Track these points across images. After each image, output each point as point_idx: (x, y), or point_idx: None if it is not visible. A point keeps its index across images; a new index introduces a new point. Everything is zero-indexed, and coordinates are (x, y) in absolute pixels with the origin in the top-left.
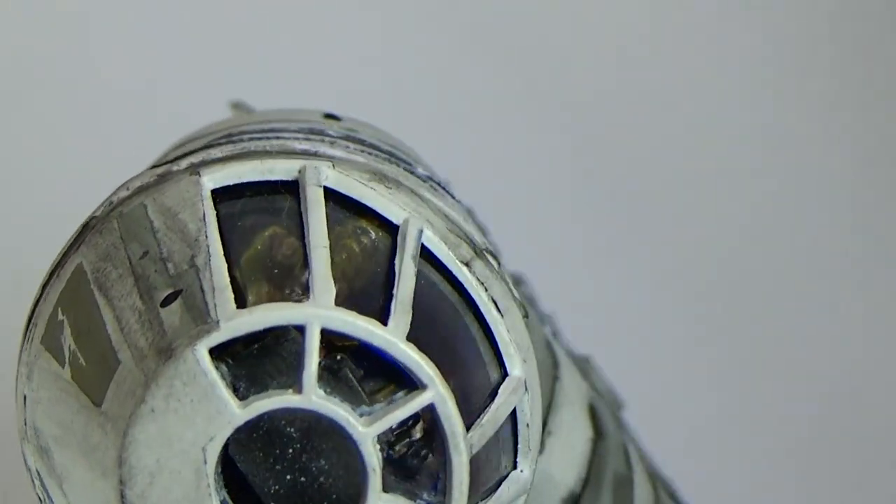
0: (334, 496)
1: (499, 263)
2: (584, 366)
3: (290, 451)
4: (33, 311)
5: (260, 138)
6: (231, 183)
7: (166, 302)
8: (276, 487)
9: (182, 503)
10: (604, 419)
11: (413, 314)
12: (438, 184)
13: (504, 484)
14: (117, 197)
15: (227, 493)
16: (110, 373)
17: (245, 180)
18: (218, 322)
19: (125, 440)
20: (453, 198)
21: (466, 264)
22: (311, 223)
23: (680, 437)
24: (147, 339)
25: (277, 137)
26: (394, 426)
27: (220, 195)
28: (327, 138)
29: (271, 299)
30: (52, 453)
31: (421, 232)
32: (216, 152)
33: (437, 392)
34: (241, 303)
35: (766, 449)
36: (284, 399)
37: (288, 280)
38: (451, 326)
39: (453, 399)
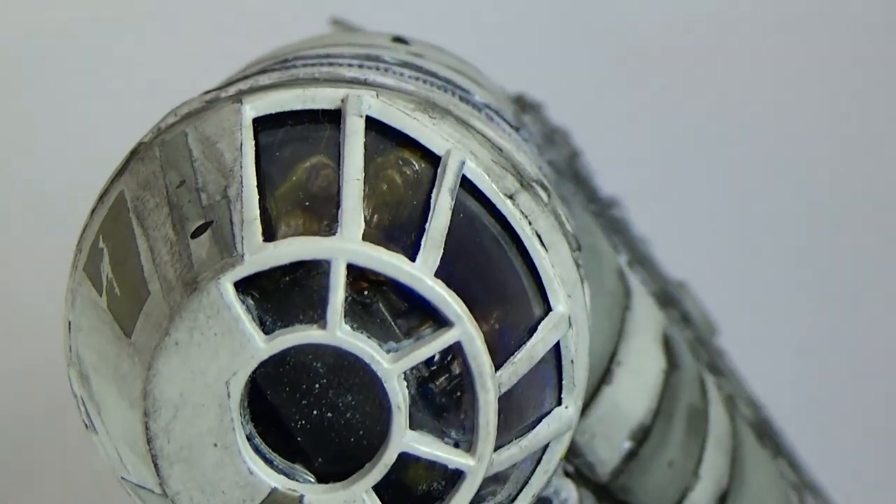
0: (362, 432)
1: (549, 195)
2: (675, 291)
3: (318, 385)
4: (81, 238)
5: (314, 64)
6: (274, 111)
7: (197, 233)
8: (303, 422)
9: (206, 437)
10: (679, 350)
11: (450, 247)
12: (496, 112)
13: (544, 421)
14: (165, 123)
15: (256, 424)
16: (141, 303)
17: (287, 108)
18: (243, 256)
19: (149, 372)
20: (511, 125)
21: (510, 197)
22: (347, 155)
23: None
24: (175, 270)
25: (331, 63)
26: (421, 363)
27: (262, 123)
28: (382, 65)
29: (303, 232)
30: (91, 381)
31: (463, 163)
32: (265, 79)
33: (464, 330)
34: (269, 235)
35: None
36: (308, 334)
37: (321, 212)
38: (492, 260)
39: (481, 337)
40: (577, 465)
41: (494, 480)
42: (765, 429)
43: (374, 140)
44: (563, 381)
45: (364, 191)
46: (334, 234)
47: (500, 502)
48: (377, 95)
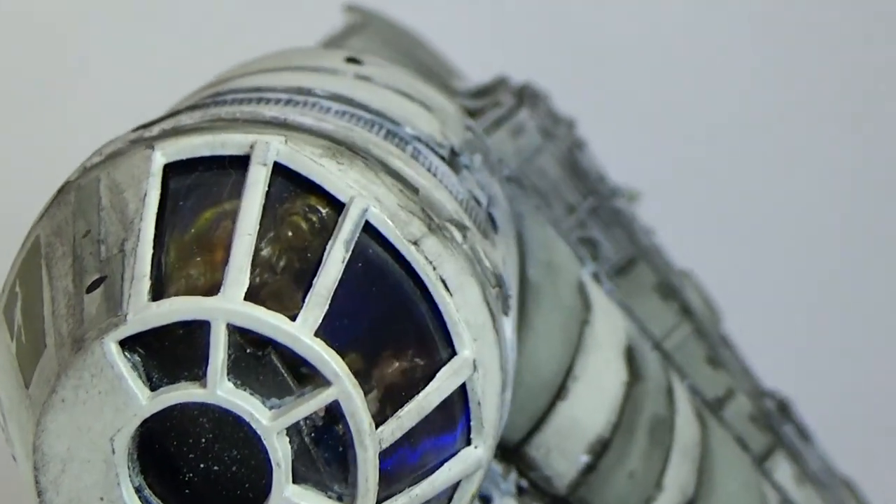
0: (247, 485)
1: (465, 234)
2: (677, 281)
3: (204, 439)
4: (7, 278)
5: (241, 100)
6: (185, 157)
7: (91, 288)
8: (191, 474)
9: (93, 490)
10: (643, 361)
11: (347, 298)
12: (426, 144)
13: (446, 465)
14: (90, 162)
15: (149, 473)
16: (38, 356)
17: (198, 154)
18: (126, 315)
19: (38, 428)
20: (443, 157)
21: (415, 242)
22: (243, 208)
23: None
24: (68, 325)
25: (259, 99)
26: (305, 418)
27: (175, 169)
28: (311, 99)
29: (195, 287)
30: (6, 423)
31: (365, 211)
32: (187, 119)
33: (341, 389)
34: (159, 292)
35: None
36: (190, 393)
37: (215, 267)
38: (395, 307)
39: (360, 395)
40: (532, 479)
41: None
42: (766, 421)
43: (281, 186)
44: (472, 423)
45: (264, 240)
46: (218, 292)
47: None
48: (286, 141)
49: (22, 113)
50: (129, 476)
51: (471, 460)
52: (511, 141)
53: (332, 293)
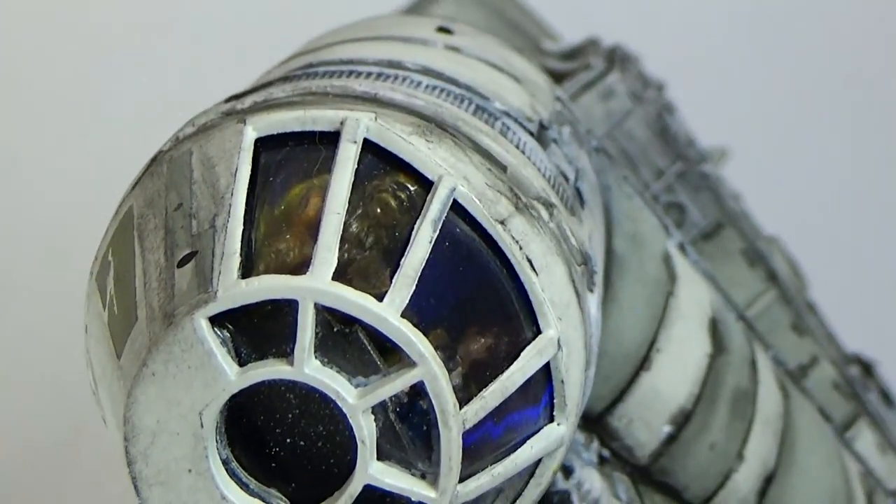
0: (332, 460)
1: (552, 212)
2: (765, 248)
3: (290, 415)
4: (99, 246)
5: (332, 73)
6: (276, 132)
7: (182, 262)
8: (277, 449)
9: (182, 463)
10: (727, 333)
11: (434, 276)
12: (515, 119)
13: (528, 443)
14: (183, 133)
15: (236, 446)
16: (129, 328)
17: (289, 130)
18: (216, 292)
19: (129, 399)
20: (531, 132)
21: (502, 222)
22: (333, 185)
23: None
24: (159, 299)
25: (349, 73)
26: (391, 397)
27: (266, 143)
28: (401, 73)
29: (284, 264)
30: (98, 388)
31: (453, 190)
32: (278, 91)
33: (427, 370)
34: (249, 269)
35: None
36: (277, 370)
37: (301, 245)
38: (481, 286)
39: (446, 376)
40: (614, 449)
41: (490, 496)
42: (850, 388)
43: (371, 162)
44: (555, 401)
45: (353, 216)
46: (307, 271)
47: None
48: (375, 118)
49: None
50: (217, 449)
51: (553, 437)
52: (601, 104)
53: (419, 273)
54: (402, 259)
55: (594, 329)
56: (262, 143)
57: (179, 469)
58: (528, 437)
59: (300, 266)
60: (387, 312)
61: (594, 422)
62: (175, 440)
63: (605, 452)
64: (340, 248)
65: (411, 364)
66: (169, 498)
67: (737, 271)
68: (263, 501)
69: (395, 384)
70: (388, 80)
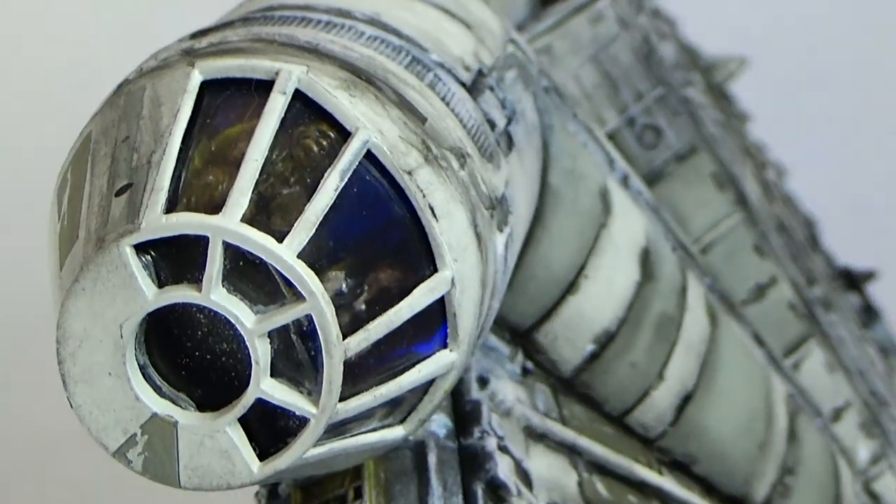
0: (233, 374)
1: (464, 162)
2: (741, 171)
3: (200, 333)
4: (64, 161)
5: (285, 19)
6: (219, 77)
7: (120, 192)
8: (187, 360)
9: (103, 366)
10: (659, 263)
11: (339, 220)
12: (450, 70)
13: (417, 366)
14: (146, 65)
15: (155, 353)
16: (71, 244)
17: (231, 76)
18: (141, 224)
19: (62, 308)
20: (467, 84)
21: (409, 172)
22: (256, 133)
23: None
24: (96, 223)
25: (301, 20)
26: (288, 324)
27: (211, 85)
28: (348, 22)
29: (201, 204)
30: (52, 288)
31: (366, 142)
32: (233, 35)
33: (314, 304)
34: (173, 204)
35: None
36: (187, 294)
37: (221, 186)
38: (384, 230)
39: (332, 310)
40: (540, 361)
41: (384, 407)
42: (806, 309)
43: (301, 110)
44: (449, 331)
45: (279, 157)
46: (219, 212)
47: (390, 423)
48: (307, 71)
49: None
50: (136, 356)
51: (443, 362)
52: (589, 28)
53: (320, 219)
54: (307, 204)
55: (499, 265)
56: (207, 86)
57: (101, 371)
58: (419, 362)
59: (217, 207)
60: (284, 253)
61: (521, 336)
62: (98, 346)
63: (530, 365)
64: (263, 186)
65: (302, 299)
66: (91, 395)
67: (705, 193)
68: (173, 403)
69: (287, 315)
70: (333, 30)
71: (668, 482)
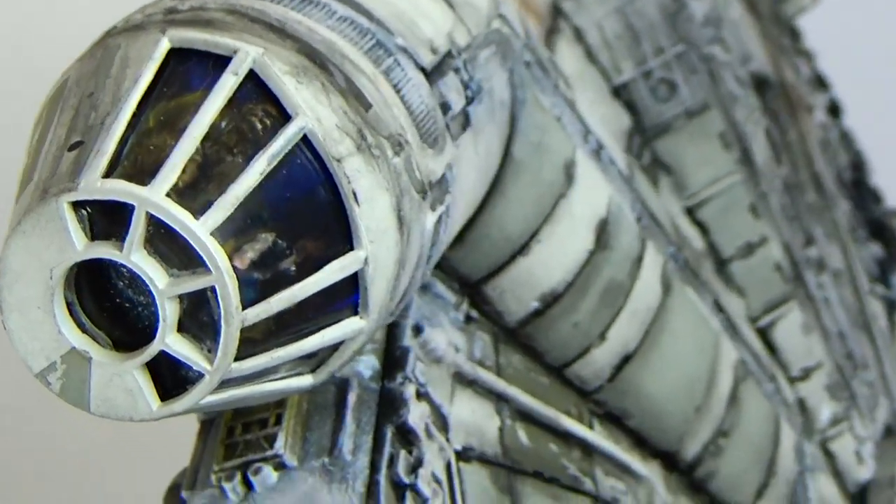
0: (147, 323)
1: (400, 150)
2: (752, 129)
3: (122, 283)
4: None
5: None
6: (186, 47)
7: (72, 147)
8: (109, 304)
9: (34, 301)
10: (616, 233)
11: (268, 199)
12: (412, 55)
13: (322, 331)
14: (133, 19)
15: (87, 292)
16: (26, 184)
17: (196, 48)
18: (79, 184)
19: (5, 243)
20: (428, 69)
21: (339, 160)
22: (200, 111)
23: None
24: (46, 173)
25: None
26: (185, 292)
27: (179, 53)
28: (322, 0)
29: (138, 170)
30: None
31: (302, 129)
32: (212, 3)
33: (218, 278)
34: (115, 167)
35: None
36: (111, 252)
37: (158, 157)
38: (307, 212)
39: (234, 285)
40: (485, 311)
41: (291, 363)
42: (793, 271)
43: (253, 88)
44: (360, 302)
45: (224, 130)
46: (148, 183)
47: (300, 372)
48: (263, 53)
49: None
50: (65, 294)
51: (351, 328)
52: None
53: (240, 200)
54: (231, 184)
55: (426, 240)
56: (175, 53)
57: (32, 304)
58: (325, 328)
59: (153, 174)
60: (197, 230)
61: (470, 287)
62: (31, 283)
63: (474, 314)
64: (200, 160)
65: (209, 271)
66: (22, 323)
67: (709, 151)
68: (92, 340)
69: (194, 283)
70: (306, 7)
71: (593, 434)
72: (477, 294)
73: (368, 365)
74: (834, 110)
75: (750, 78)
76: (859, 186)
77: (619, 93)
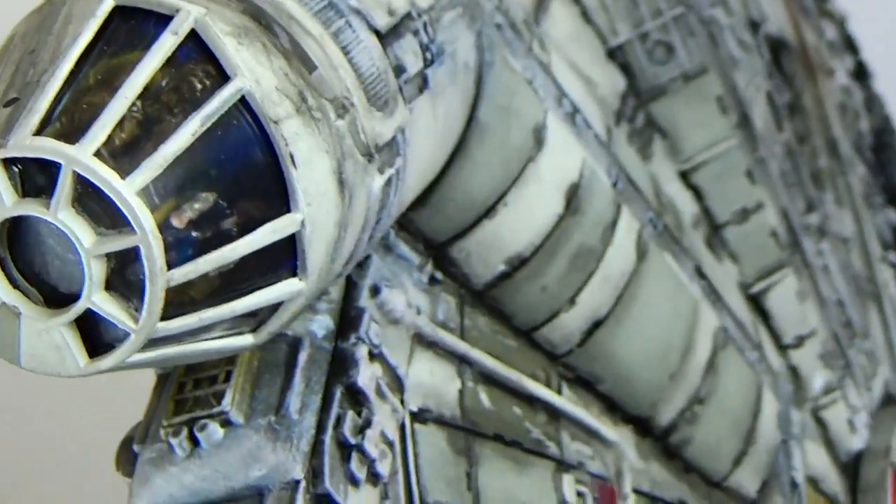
0: (75, 280)
1: (344, 113)
2: (752, 95)
3: (52, 239)
4: None
5: None
6: (129, 5)
7: (8, 104)
8: (42, 259)
9: None
10: (588, 197)
11: (195, 162)
12: (366, 17)
13: (258, 293)
14: None
15: (19, 249)
16: None
17: (139, 6)
18: (8, 142)
19: None
20: (382, 31)
21: (276, 122)
22: (135, 71)
23: None
24: None
25: None
26: (110, 251)
27: (124, 11)
28: None
29: (69, 129)
30: None
31: (239, 91)
32: None
33: (143, 238)
34: (48, 124)
35: None
36: (39, 210)
37: (90, 116)
38: (242, 174)
39: (159, 245)
40: (451, 273)
41: (227, 322)
42: (790, 237)
43: (194, 48)
44: (298, 265)
45: (162, 89)
46: (77, 142)
47: (240, 332)
48: (205, 13)
49: None
50: None
51: (288, 290)
52: None
53: (169, 161)
54: (162, 144)
55: (373, 202)
56: (120, 10)
57: None
58: (260, 289)
59: (78, 136)
60: (123, 189)
61: (435, 249)
62: None
63: (439, 275)
64: (134, 119)
65: (132, 232)
66: None
67: (706, 114)
68: (23, 295)
69: (120, 243)
70: None
71: (559, 398)
72: (443, 256)
73: (322, 325)
74: (860, 74)
75: (764, 40)
76: (883, 151)
77: (615, 55)
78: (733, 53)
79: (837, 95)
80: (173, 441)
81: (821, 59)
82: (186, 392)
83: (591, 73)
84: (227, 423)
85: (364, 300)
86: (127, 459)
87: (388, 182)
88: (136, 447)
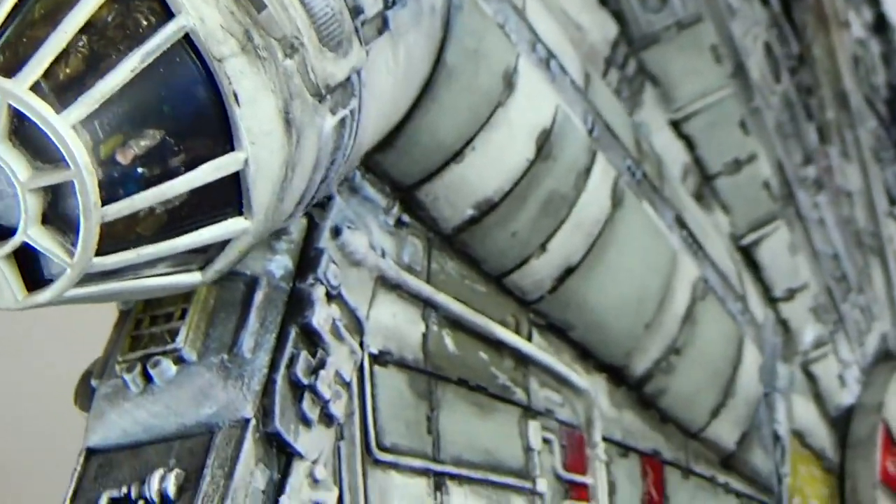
0: (17, 214)
1: (293, 54)
2: (749, 45)
3: None
4: None
5: None
6: None
7: None
8: None
9: None
10: (560, 143)
11: (135, 98)
12: None
13: (200, 230)
14: None
15: None
16: None
17: None
18: None
19: None
20: None
21: (220, 60)
22: (78, 5)
23: None
24: None
25: None
26: (45, 185)
27: None
28: None
29: (11, 63)
30: None
31: (182, 28)
32: None
33: (77, 173)
34: None
35: None
36: None
37: (30, 50)
38: (183, 112)
39: (93, 180)
40: (419, 216)
41: (173, 258)
42: (784, 189)
43: None
44: (244, 203)
45: (109, 25)
46: (14, 76)
47: (189, 269)
48: None
49: None
50: None
51: (233, 228)
52: None
53: (106, 96)
54: (99, 80)
55: (325, 143)
56: None
57: None
58: (202, 227)
59: (16, 69)
60: (57, 124)
61: (402, 191)
62: None
63: (406, 218)
64: (76, 54)
65: (65, 168)
66: None
67: (700, 64)
68: None
69: (54, 177)
70: None
71: (527, 344)
72: (410, 199)
73: (281, 265)
74: (880, 27)
75: None
76: None
77: (607, 1)
78: (730, 2)
79: (851, 48)
80: (127, 377)
81: (835, 10)
82: (143, 328)
83: (582, 19)
84: (180, 360)
85: (324, 241)
86: (85, 394)
87: (342, 122)
88: (93, 382)
